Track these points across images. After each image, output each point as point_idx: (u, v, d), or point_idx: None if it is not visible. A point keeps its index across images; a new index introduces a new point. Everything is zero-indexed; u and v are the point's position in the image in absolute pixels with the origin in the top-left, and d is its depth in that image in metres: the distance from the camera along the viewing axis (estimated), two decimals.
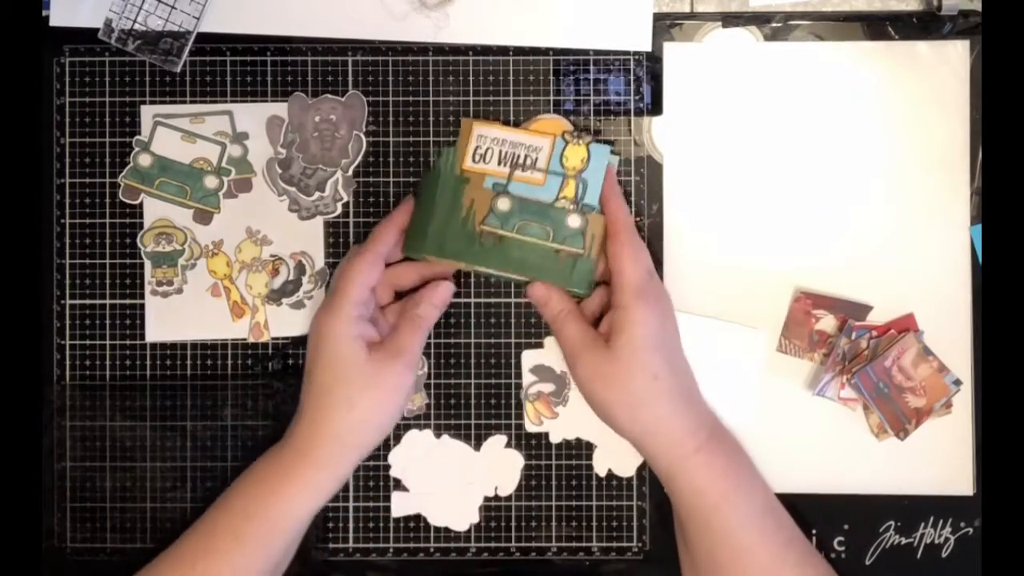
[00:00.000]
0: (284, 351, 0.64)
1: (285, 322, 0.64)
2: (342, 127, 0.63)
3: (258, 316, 0.64)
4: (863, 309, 0.62)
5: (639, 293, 0.57)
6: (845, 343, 0.62)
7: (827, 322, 0.63)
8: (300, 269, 0.63)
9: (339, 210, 0.63)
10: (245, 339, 0.64)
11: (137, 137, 0.64)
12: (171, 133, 0.64)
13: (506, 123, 0.63)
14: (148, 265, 0.64)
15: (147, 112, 0.64)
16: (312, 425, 0.57)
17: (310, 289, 0.64)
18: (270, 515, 0.56)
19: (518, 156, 0.61)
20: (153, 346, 0.64)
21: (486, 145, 0.61)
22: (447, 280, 0.62)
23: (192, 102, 0.64)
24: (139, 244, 0.64)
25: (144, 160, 0.64)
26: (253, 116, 0.64)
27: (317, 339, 0.58)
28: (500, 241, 0.60)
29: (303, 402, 0.59)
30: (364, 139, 0.63)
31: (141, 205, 0.64)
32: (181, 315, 0.64)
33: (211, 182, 0.64)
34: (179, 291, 0.64)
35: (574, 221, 0.60)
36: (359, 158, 0.63)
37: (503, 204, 0.61)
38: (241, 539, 0.56)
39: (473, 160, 0.61)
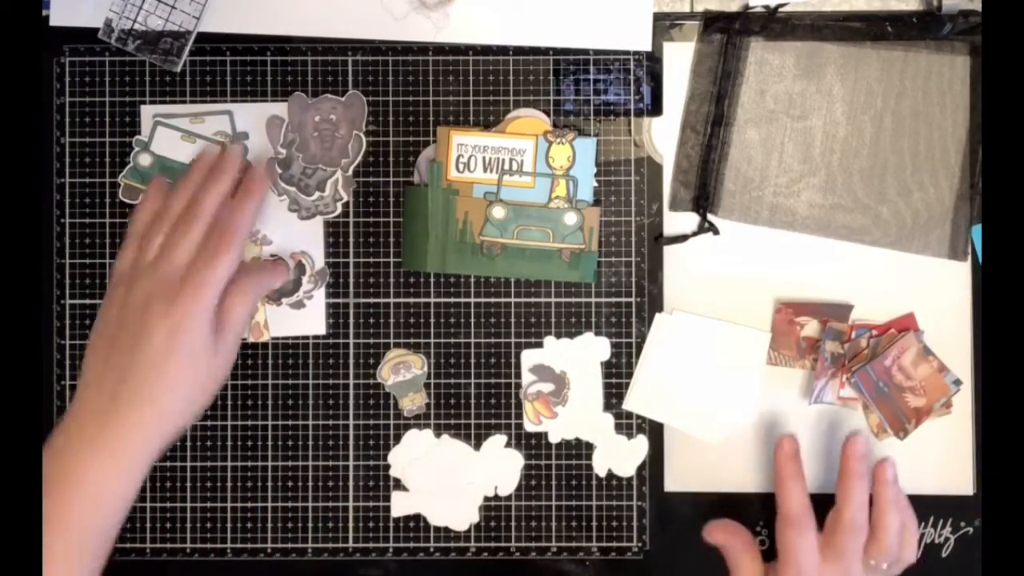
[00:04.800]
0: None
1: (285, 323, 0.64)
2: (342, 127, 0.63)
3: (258, 316, 0.64)
4: (844, 309, 0.62)
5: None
6: (830, 346, 0.62)
7: (811, 327, 0.63)
8: (300, 269, 0.63)
9: (339, 210, 0.63)
10: (245, 339, 0.64)
11: (137, 137, 0.64)
12: (171, 133, 0.64)
13: (485, 126, 0.63)
14: None
15: (147, 112, 0.64)
16: (137, 411, 0.53)
17: (310, 289, 0.64)
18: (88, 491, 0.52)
19: (503, 161, 0.61)
20: None
21: (468, 153, 0.62)
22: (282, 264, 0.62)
23: (192, 102, 0.64)
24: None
25: (144, 160, 0.64)
26: (253, 116, 0.64)
27: (177, 330, 0.54)
28: (502, 249, 0.61)
29: (123, 394, 0.53)
30: (364, 139, 0.63)
31: None
32: None
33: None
34: None
35: (571, 219, 0.61)
36: (359, 158, 0.63)
37: (498, 212, 0.61)
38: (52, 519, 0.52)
39: (457, 170, 0.61)
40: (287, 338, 0.64)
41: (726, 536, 0.59)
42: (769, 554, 0.61)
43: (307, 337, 0.64)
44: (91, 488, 0.52)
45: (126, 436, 0.53)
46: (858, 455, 0.58)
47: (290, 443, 0.64)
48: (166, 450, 0.55)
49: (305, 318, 0.64)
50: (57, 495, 0.52)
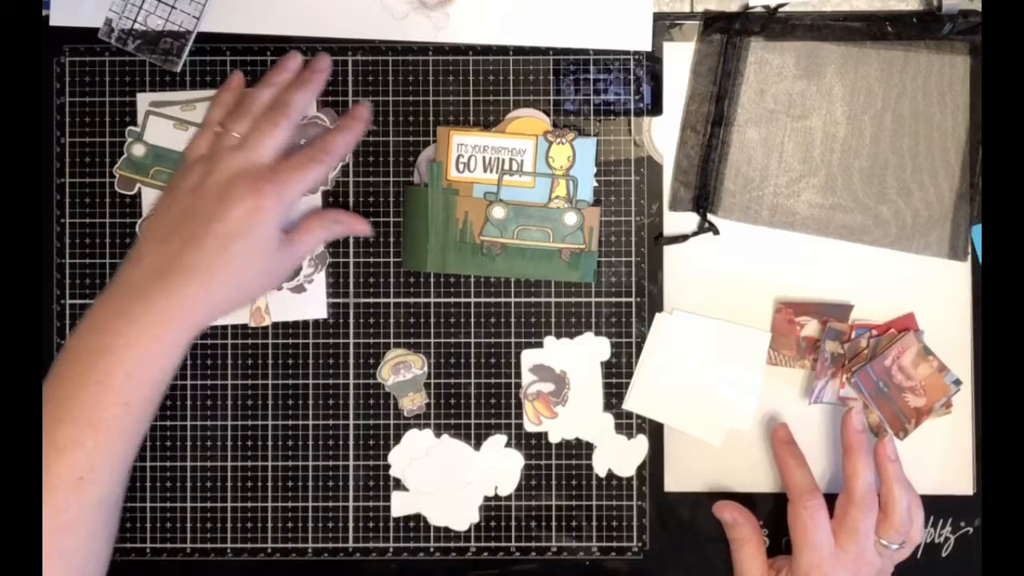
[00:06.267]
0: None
1: (286, 307, 0.64)
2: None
3: (258, 301, 0.63)
4: (844, 309, 0.62)
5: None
6: (830, 346, 0.62)
7: (812, 327, 0.63)
8: None
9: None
10: (246, 324, 0.64)
11: (130, 128, 0.64)
12: (164, 122, 0.64)
13: (485, 126, 0.63)
14: None
15: (143, 100, 0.64)
16: (198, 287, 0.54)
17: (310, 273, 0.64)
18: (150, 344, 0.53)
19: (503, 161, 0.61)
20: None
21: (468, 153, 0.62)
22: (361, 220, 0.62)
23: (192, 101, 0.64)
24: (138, 232, 0.63)
25: (138, 150, 0.64)
26: None
27: (256, 210, 0.55)
28: (503, 249, 0.61)
29: (188, 257, 0.54)
30: (340, 167, 0.63)
31: (139, 196, 0.64)
32: None
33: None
34: None
35: (571, 219, 0.61)
36: (330, 183, 0.63)
37: (498, 212, 0.61)
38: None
39: (457, 170, 0.61)
40: (288, 323, 0.64)
41: (735, 514, 0.61)
42: (770, 552, 0.61)
43: (307, 333, 0.64)
44: (138, 340, 0.53)
45: (175, 298, 0.54)
46: (857, 428, 0.59)
47: (290, 443, 0.64)
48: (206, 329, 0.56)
49: (306, 302, 0.63)
50: (99, 366, 0.52)
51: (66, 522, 0.51)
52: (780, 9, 0.62)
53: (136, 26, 0.63)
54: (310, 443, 0.64)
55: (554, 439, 0.64)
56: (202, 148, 0.59)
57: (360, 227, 0.62)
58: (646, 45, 0.63)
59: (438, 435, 0.64)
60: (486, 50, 0.64)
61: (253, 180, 0.56)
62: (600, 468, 0.64)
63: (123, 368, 0.52)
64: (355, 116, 0.61)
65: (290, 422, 0.64)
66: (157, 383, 0.54)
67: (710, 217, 0.63)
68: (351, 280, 0.64)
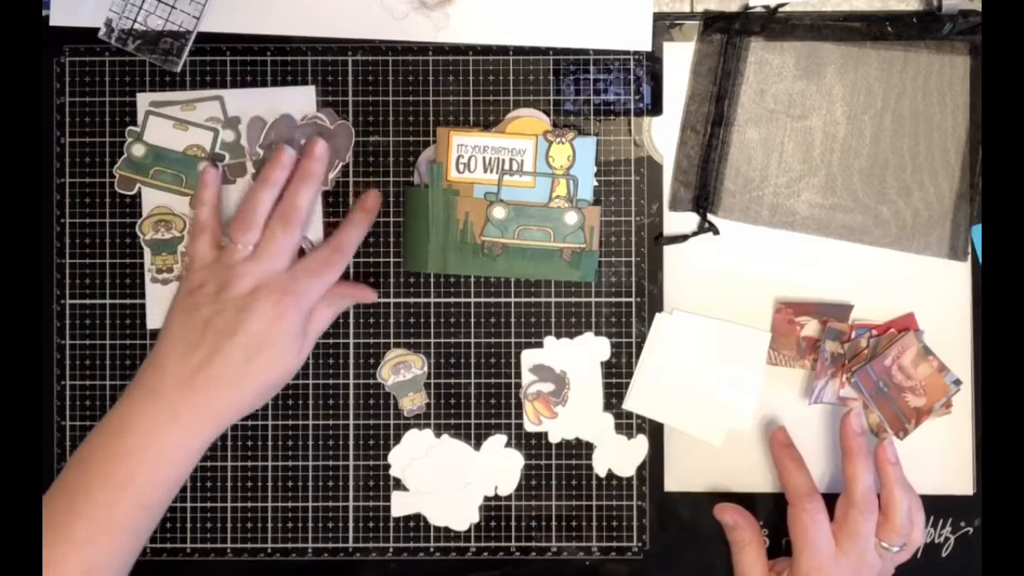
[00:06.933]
0: None
1: None
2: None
3: None
4: (844, 309, 0.62)
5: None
6: (830, 346, 0.62)
7: (811, 327, 0.63)
8: (300, 252, 0.63)
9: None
10: None
11: (130, 128, 0.64)
12: (163, 122, 0.64)
13: (485, 126, 0.63)
14: (148, 253, 0.64)
15: (143, 99, 0.64)
16: (225, 399, 0.56)
17: None
18: (163, 450, 0.55)
19: (503, 161, 0.61)
20: (153, 346, 0.64)
21: (468, 153, 0.62)
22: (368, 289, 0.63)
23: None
24: (138, 232, 0.63)
25: (138, 150, 0.64)
26: (244, 101, 0.63)
27: (279, 319, 0.57)
28: (504, 249, 0.61)
29: (214, 369, 0.56)
30: (341, 167, 0.63)
31: (139, 195, 0.64)
32: None
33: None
34: (179, 278, 0.63)
35: (571, 218, 0.61)
36: (330, 184, 0.63)
37: (499, 212, 0.61)
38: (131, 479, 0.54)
39: (457, 170, 0.61)
40: None
41: (735, 516, 0.61)
42: (770, 553, 0.61)
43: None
44: (162, 448, 0.55)
45: (202, 410, 0.55)
46: (857, 431, 0.59)
47: (290, 443, 0.64)
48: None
49: None
50: (121, 470, 0.54)
51: None
52: (780, 9, 0.62)
53: (136, 26, 0.63)
54: (310, 443, 0.64)
55: (554, 439, 0.64)
56: (206, 255, 0.59)
57: (367, 296, 0.63)
58: (646, 45, 0.63)
59: (438, 435, 0.64)
60: (486, 50, 0.64)
61: (273, 293, 0.57)
62: (600, 468, 0.64)
63: (145, 473, 0.54)
64: (365, 208, 0.62)
65: (290, 422, 0.64)
66: (176, 486, 0.56)
67: (710, 217, 0.63)
68: (351, 280, 0.64)
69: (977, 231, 0.63)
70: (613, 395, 0.64)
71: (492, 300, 0.64)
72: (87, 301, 0.64)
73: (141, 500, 0.54)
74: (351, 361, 0.64)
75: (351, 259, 0.62)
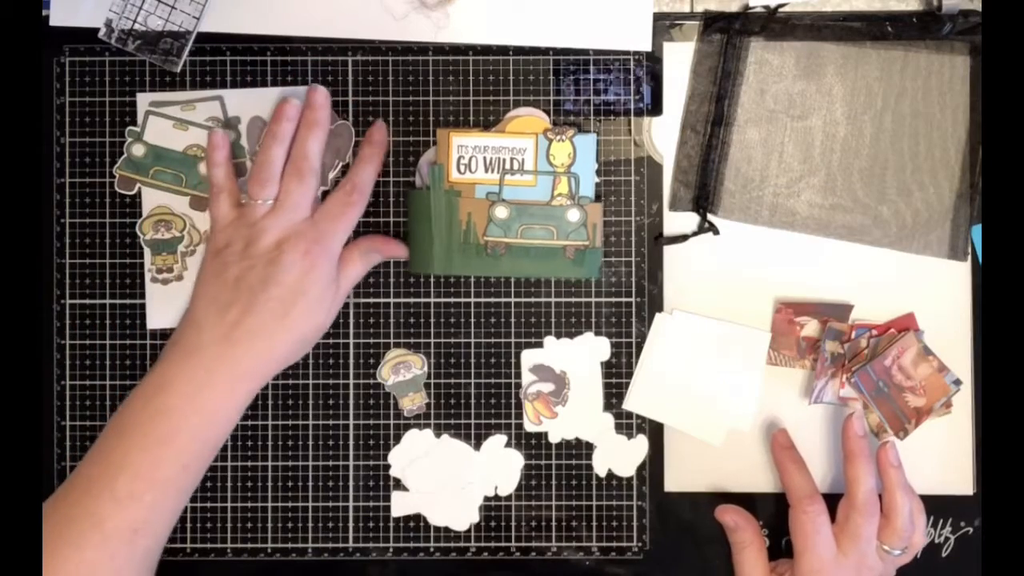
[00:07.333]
0: None
1: None
2: (326, 155, 0.62)
3: None
4: (844, 309, 0.62)
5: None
6: (830, 346, 0.62)
7: (811, 327, 0.63)
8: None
9: None
10: None
11: (130, 128, 0.64)
12: (163, 122, 0.64)
13: (485, 126, 0.63)
14: (148, 253, 0.64)
15: (143, 99, 0.64)
16: (262, 352, 0.57)
17: None
18: (206, 409, 0.55)
19: (504, 161, 0.61)
20: (153, 346, 0.64)
21: (468, 154, 0.62)
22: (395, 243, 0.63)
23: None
24: (138, 232, 0.63)
25: (138, 150, 0.64)
26: (244, 101, 0.63)
27: (311, 270, 0.57)
28: (507, 249, 0.61)
29: (250, 324, 0.56)
30: (341, 167, 0.63)
31: (139, 195, 0.64)
32: (182, 302, 0.63)
33: (205, 169, 0.63)
34: (179, 278, 0.64)
35: (574, 215, 0.61)
36: (330, 184, 0.63)
37: (501, 212, 0.61)
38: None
39: (459, 171, 0.61)
40: None
41: (736, 518, 0.61)
42: (771, 554, 0.61)
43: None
44: (203, 406, 0.55)
45: (242, 366, 0.56)
46: (859, 433, 0.59)
47: (290, 443, 0.64)
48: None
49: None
50: (163, 427, 0.54)
51: (114, 569, 0.52)
52: (780, 9, 0.62)
53: (136, 26, 0.63)
54: (310, 443, 0.64)
55: (554, 439, 0.64)
56: (227, 215, 0.60)
57: (397, 251, 0.63)
58: (646, 45, 0.63)
59: (438, 435, 0.64)
60: (486, 50, 0.64)
61: (300, 243, 0.58)
62: (600, 468, 0.64)
63: (187, 431, 0.54)
64: (373, 142, 0.62)
65: (290, 422, 0.64)
66: (217, 444, 0.56)
67: (710, 217, 0.63)
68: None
69: (977, 231, 0.63)
70: (613, 395, 0.64)
71: (492, 300, 0.64)
72: (87, 301, 0.64)
73: (182, 459, 0.54)
74: (351, 361, 0.64)
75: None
